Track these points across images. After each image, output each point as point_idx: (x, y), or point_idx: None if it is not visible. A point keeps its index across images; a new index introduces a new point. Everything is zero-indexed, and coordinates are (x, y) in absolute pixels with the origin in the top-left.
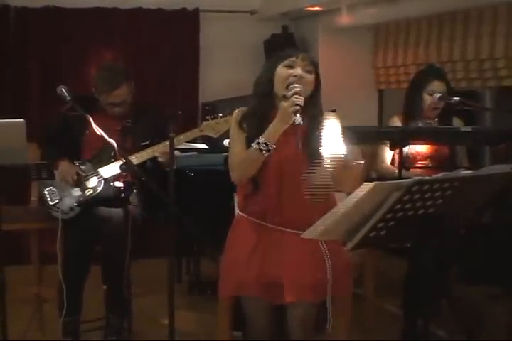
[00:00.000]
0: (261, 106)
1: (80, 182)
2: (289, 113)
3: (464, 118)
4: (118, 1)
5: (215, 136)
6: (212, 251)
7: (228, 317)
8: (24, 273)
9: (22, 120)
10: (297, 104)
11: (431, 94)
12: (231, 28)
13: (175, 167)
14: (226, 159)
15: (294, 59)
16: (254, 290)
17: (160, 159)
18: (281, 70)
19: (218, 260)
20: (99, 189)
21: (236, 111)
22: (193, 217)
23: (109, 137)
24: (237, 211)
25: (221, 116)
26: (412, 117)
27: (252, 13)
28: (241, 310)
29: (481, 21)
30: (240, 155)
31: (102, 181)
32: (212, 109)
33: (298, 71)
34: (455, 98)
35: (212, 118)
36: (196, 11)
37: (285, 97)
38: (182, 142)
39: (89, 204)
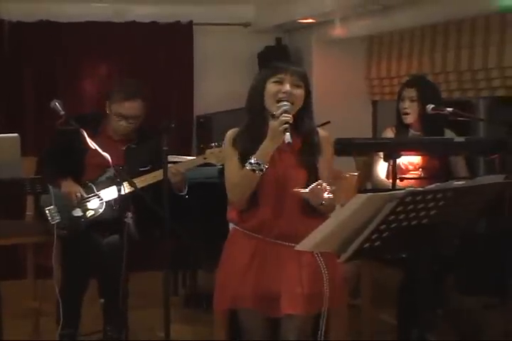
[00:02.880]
0: (253, 122)
1: (81, 204)
2: (278, 132)
3: (457, 128)
4: (112, 14)
5: (217, 164)
6: (208, 263)
7: (224, 330)
8: (20, 288)
9: (16, 134)
10: (286, 123)
11: (402, 100)
12: (225, 41)
13: (184, 192)
14: (220, 171)
15: (282, 75)
16: (250, 303)
17: (172, 179)
18: (270, 86)
19: (214, 273)
20: (101, 211)
21: (229, 131)
22: (189, 230)
23: (115, 159)
24: (231, 224)
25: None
26: (398, 128)
27: (246, 25)
28: (237, 323)
29: (474, 32)
30: (235, 177)
31: (104, 203)
32: (207, 122)
33: (286, 87)
34: (448, 108)
35: (216, 146)
36: (190, 24)
37: (274, 116)
38: (185, 168)
39: (90, 226)
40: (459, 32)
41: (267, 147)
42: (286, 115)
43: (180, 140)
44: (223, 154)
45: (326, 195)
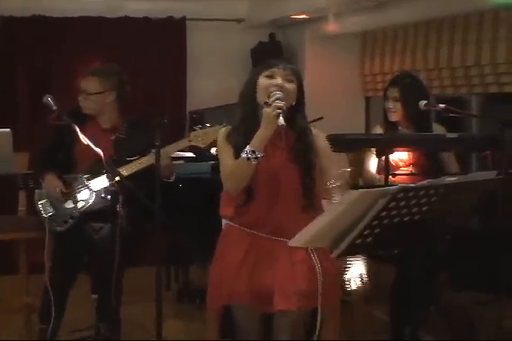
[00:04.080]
0: (246, 116)
1: (71, 195)
2: (272, 117)
3: (449, 125)
4: (105, 10)
5: (203, 146)
6: (201, 259)
7: (217, 325)
8: (13, 283)
9: (8, 129)
10: (279, 108)
11: (385, 99)
12: (218, 36)
13: (172, 179)
14: (213, 167)
15: (274, 69)
16: (244, 298)
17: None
18: (262, 80)
19: (207, 268)
20: (91, 201)
21: (223, 129)
22: (182, 226)
23: (103, 148)
24: (224, 220)
25: (209, 126)
26: (386, 125)
27: (239, 21)
28: (230, 319)
29: (467, 28)
30: (230, 166)
31: (94, 194)
32: (200, 118)
33: (278, 80)
34: (440, 105)
35: (200, 128)
36: (183, 20)
37: (267, 104)
38: (171, 153)
39: (83, 217)
40: (452, 28)
41: (261, 135)
42: (279, 102)
43: (173, 135)
44: (208, 136)
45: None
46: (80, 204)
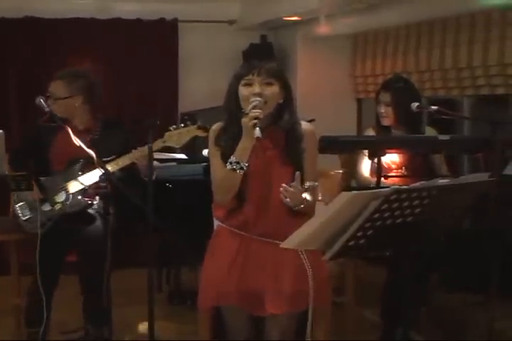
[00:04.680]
0: (231, 123)
1: (48, 198)
2: (250, 128)
3: (441, 127)
4: (96, 11)
5: (177, 147)
6: (192, 260)
7: (208, 327)
8: (3, 284)
9: (1, 131)
10: (256, 118)
11: (379, 104)
12: (210, 38)
13: (154, 177)
14: (206, 169)
15: (250, 76)
16: (234, 300)
17: (139, 164)
18: (241, 90)
19: (198, 270)
20: (68, 203)
21: (212, 127)
22: (173, 227)
23: (77, 150)
24: (216, 221)
25: (183, 126)
26: (378, 128)
27: (231, 22)
28: (221, 321)
29: (458, 30)
30: (218, 177)
31: (71, 196)
32: (192, 119)
33: (256, 89)
34: (432, 107)
35: (174, 129)
36: (175, 21)
37: (245, 114)
38: (145, 153)
39: (61, 220)
40: (444, 30)
41: (243, 145)
42: (255, 110)
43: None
44: (182, 137)
45: (304, 195)
46: (57, 207)
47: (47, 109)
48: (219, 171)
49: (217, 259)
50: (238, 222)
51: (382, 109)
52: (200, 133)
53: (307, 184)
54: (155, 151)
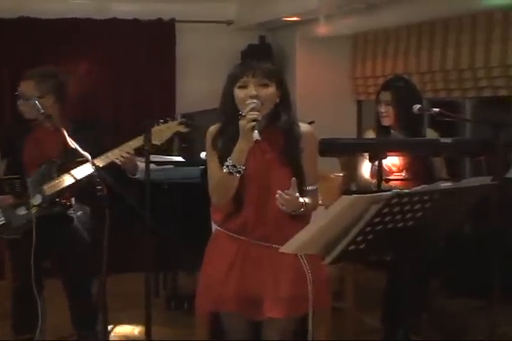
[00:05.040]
0: (228, 125)
1: (24, 201)
2: (247, 130)
3: (442, 129)
4: (93, 11)
5: (158, 144)
6: (190, 265)
7: (206, 332)
8: None
9: None
10: (254, 120)
11: (377, 103)
12: (207, 39)
13: (137, 175)
14: (203, 172)
15: (245, 79)
16: (233, 305)
17: (122, 164)
18: (237, 92)
19: (195, 274)
20: (45, 206)
21: (209, 129)
22: (170, 231)
23: (52, 151)
24: (214, 225)
25: (163, 122)
26: (380, 129)
27: (229, 23)
28: (219, 326)
29: (460, 30)
30: (215, 179)
31: (47, 198)
32: (189, 121)
33: (252, 91)
34: (434, 109)
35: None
36: (172, 22)
37: (242, 116)
38: (125, 152)
39: (38, 223)
40: (445, 31)
41: (240, 148)
42: (252, 113)
43: None
44: (163, 133)
45: (302, 199)
46: (33, 210)
47: (42, 111)
48: (215, 174)
49: (216, 263)
50: (236, 226)
51: (383, 109)
52: (182, 129)
53: (309, 187)
54: (136, 149)
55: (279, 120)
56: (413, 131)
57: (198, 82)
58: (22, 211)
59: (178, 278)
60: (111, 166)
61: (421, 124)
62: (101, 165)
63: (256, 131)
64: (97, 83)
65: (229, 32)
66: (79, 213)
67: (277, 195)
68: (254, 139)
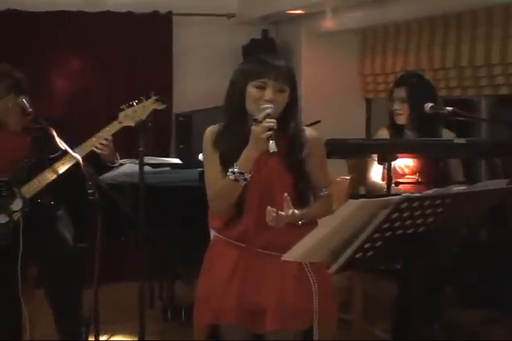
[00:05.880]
0: (233, 123)
1: (3, 208)
2: (262, 139)
3: (457, 129)
4: (84, 3)
5: (133, 125)
6: (187, 274)
7: None
8: None
9: None
10: (270, 129)
11: (392, 101)
12: (207, 33)
13: (116, 163)
14: (201, 175)
15: (265, 80)
16: (233, 317)
17: (101, 152)
18: (251, 91)
19: (194, 284)
20: (27, 210)
21: (208, 129)
22: (167, 238)
23: (18, 152)
24: (212, 232)
25: (137, 103)
26: (392, 128)
27: (230, 16)
28: (219, 338)
29: (475, 25)
30: (216, 185)
31: (28, 201)
32: (188, 121)
33: (269, 94)
34: (447, 108)
35: (127, 107)
36: (169, 15)
37: (256, 121)
38: (103, 138)
39: (22, 230)
40: (459, 25)
41: (249, 155)
42: (269, 120)
43: (158, 140)
44: (138, 114)
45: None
46: (16, 216)
47: (29, 110)
48: (217, 179)
49: (215, 273)
50: (237, 233)
51: (397, 106)
52: (158, 106)
53: (320, 193)
54: (113, 134)
55: (287, 127)
56: (428, 131)
57: (196, 79)
58: (3, 219)
59: (175, 288)
60: (91, 157)
61: (437, 124)
62: (80, 157)
63: (272, 142)
64: (89, 80)
65: (230, 26)
66: (59, 212)
67: (267, 211)
68: (271, 151)
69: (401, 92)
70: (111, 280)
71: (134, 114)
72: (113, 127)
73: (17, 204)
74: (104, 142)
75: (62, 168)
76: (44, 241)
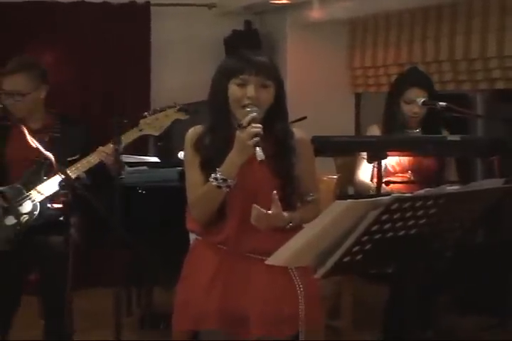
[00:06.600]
0: (216, 125)
1: (12, 210)
2: (248, 146)
3: (451, 126)
4: None
5: (157, 134)
6: (167, 279)
7: None
8: None
9: None
10: (256, 135)
11: (408, 103)
12: (187, 24)
13: (123, 175)
14: (181, 174)
15: (245, 76)
16: (214, 323)
17: (107, 162)
18: (233, 89)
19: (173, 290)
20: (36, 213)
21: (190, 130)
22: (144, 241)
23: (37, 150)
24: (192, 235)
25: (160, 110)
26: (391, 127)
27: (211, 6)
28: None
29: (470, 16)
30: (198, 191)
31: (38, 204)
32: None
33: (251, 91)
34: (440, 103)
35: (150, 114)
36: (147, 5)
37: (241, 126)
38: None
39: (29, 233)
40: (454, 16)
41: (233, 161)
42: (255, 125)
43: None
44: (160, 122)
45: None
46: (23, 219)
47: (0, 106)
48: (198, 185)
49: (195, 277)
50: (218, 238)
51: (416, 109)
52: (181, 116)
53: (308, 197)
54: (132, 142)
55: (274, 128)
56: (431, 129)
57: (175, 72)
58: (11, 221)
59: (154, 294)
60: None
61: (439, 123)
62: (84, 169)
63: (259, 149)
64: (63, 73)
65: (211, 16)
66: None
67: (253, 206)
68: (259, 159)
69: (421, 94)
70: (86, 286)
71: (155, 122)
72: (132, 134)
73: (26, 207)
74: (107, 151)
75: (77, 172)
76: (43, 250)
